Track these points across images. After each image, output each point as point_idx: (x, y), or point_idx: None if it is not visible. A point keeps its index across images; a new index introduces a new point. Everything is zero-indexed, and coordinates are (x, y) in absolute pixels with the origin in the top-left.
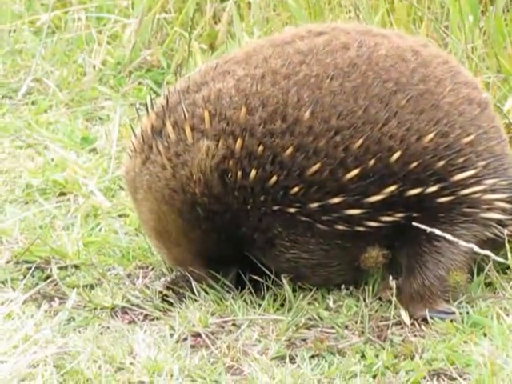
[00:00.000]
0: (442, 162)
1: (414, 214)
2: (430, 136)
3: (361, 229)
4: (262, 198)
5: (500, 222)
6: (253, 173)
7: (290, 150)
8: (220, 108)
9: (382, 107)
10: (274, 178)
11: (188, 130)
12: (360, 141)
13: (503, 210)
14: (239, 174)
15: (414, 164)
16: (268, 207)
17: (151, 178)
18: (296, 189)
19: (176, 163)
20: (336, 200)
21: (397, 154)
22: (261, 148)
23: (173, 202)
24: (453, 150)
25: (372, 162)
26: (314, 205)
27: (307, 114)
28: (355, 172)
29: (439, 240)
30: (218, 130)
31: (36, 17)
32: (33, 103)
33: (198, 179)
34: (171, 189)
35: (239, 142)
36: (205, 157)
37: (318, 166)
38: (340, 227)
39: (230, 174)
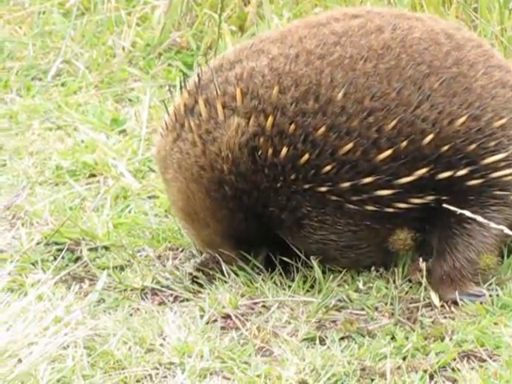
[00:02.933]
0: (473, 146)
1: (444, 197)
2: (462, 119)
3: (390, 210)
4: (292, 177)
5: None
6: (284, 150)
7: (322, 130)
8: (252, 86)
9: (415, 90)
10: (306, 157)
11: (219, 107)
12: (393, 122)
13: None
14: (270, 151)
15: (446, 147)
16: (298, 186)
17: (181, 155)
18: (328, 168)
19: (206, 140)
20: (367, 180)
21: (429, 137)
22: (292, 127)
23: (201, 180)
24: (484, 134)
25: (404, 143)
26: (346, 184)
27: (340, 95)
28: (388, 153)
29: (470, 222)
30: (250, 107)
31: None
32: (62, 85)
33: (227, 156)
34: (200, 166)
35: (270, 119)
36: (234, 134)
37: (350, 145)
38: (370, 208)
39: (260, 152)
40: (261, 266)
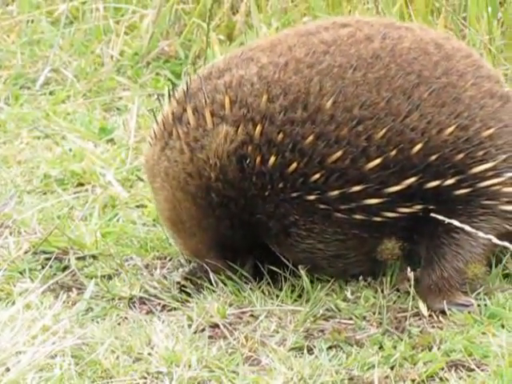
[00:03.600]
0: (461, 155)
1: (432, 206)
2: (451, 129)
3: (378, 219)
4: (280, 185)
5: None
6: (272, 159)
7: (310, 138)
8: (241, 94)
9: (405, 99)
10: (294, 165)
11: (208, 115)
12: (382, 131)
13: None
14: (258, 159)
15: (434, 157)
16: (286, 194)
17: (169, 163)
18: (316, 176)
19: (194, 147)
20: (356, 188)
21: (418, 147)
22: (281, 135)
23: (187, 187)
24: (472, 143)
25: (393, 152)
26: (334, 193)
27: (329, 103)
28: (377, 161)
29: (458, 232)
30: (238, 116)
31: (54, 7)
32: (51, 93)
33: (214, 164)
34: (187, 173)
35: (259, 128)
36: (223, 141)
37: (339, 153)
38: (358, 216)
39: (248, 160)
40: (248, 276)
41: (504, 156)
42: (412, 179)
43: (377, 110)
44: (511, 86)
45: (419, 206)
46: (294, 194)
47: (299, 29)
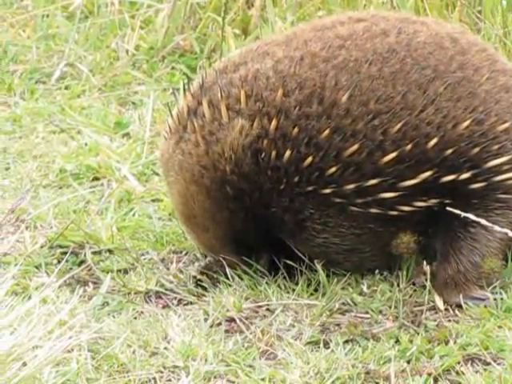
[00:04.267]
0: (476, 149)
1: (448, 201)
2: (466, 123)
3: (394, 213)
4: (296, 179)
5: None
6: (287, 153)
7: (326, 132)
8: (256, 88)
9: (420, 94)
10: (310, 159)
11: (223, 109)
12: (398, 125)
13: None
14: (273, 154)
15: (450, 151)
16: (302, 188)
17: (183, 156)
18: (332, 170)
19: (209, 140)
20: (372, 182)
21: (433, 141)
22: (296, 130)
23: (202, 180)
24: (488, 137)
25: (409, 146)
26: (350, 186)
27: (345, 98)
28: (393, 155)
29: (474, 226)
30: (254, 110)
31: (69, 1)
32: (66, 88)
33: (230, 157)
34: (202, 166)
35: (274, 122)
36: (238, 135)
37: (355, 147)
38: (373, 210)
39: (263, 154)
40: (264, 270)
41: None
42: (428, 173)
43: (392, 104)
44: None
45: (435, 200)
46: (310, 188)
47: (315, 23)
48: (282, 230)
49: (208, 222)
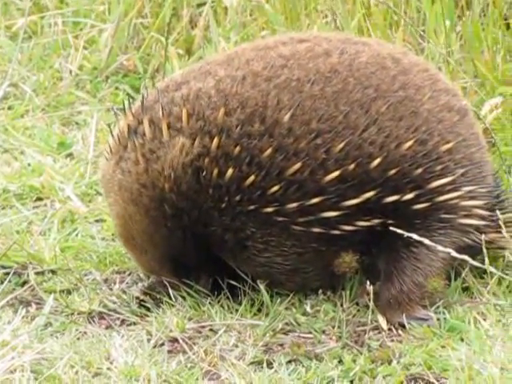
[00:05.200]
0: (419, 170)
1: (390, 221)
2: (409, 143)
3: (336, 232)
4: (237, 198)
5: (478, 229)
6: (229, 172)
7: (268, 152)
8: (198, 107)
9: (363, 113)
10: (252, 178)
11: (164, 127)
12: (341, 145)
13: (481, 217)
14: (215, 172)
15: (393, 171)
16: (244, 206)
17: (123, 175)
18: (274, 188)
19: (149, 158)
20: (314, 201)
21: (376, 161)
22: (238, 148)
23: (140, 199)
24: (431, 158)
25: (352, 166)
26: (292, 205)
27: (287, 117)
28: (335, 174)
29: (417, 246)
30: (195, 128)
31: (12, 21)
32: (9, 108)
33: (169, 175)
34: (141, 184)
35: (215, 141)
36: (178, 153)
37: (298, 165)
38: (316, 230)
39: (204, 172)
40: (204, 290)
41: (462, 170)
42: (370, 193)
43: (335, 123)
44: (470, 99)
45: (377, 220)
46: (252, 207)
47: (257, 43)
48: (223, 250)
49: (146, 243)
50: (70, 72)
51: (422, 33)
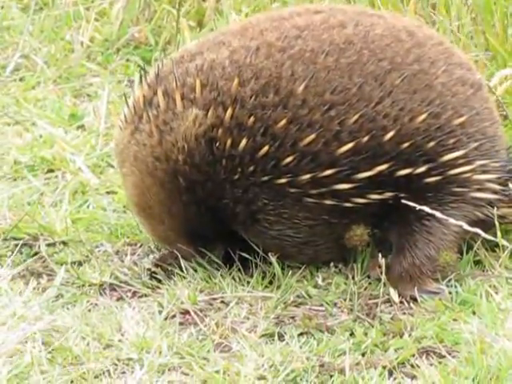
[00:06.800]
0: (432, 143)
1: (402, 194)
2: (423, 116)
3: (348, 205)
4: (251, 168)
5: (490, 203)
6: (243, 142)
7: (282, 122)
8: (212, 78)
9: (377, 85)
10: (265, 149)
11: (178, 99)
12: (355, 117)
13: (494, 191)
14: (228, 142)
15: (406, 144)
16: (257, 177)
17: (138, 147)
18: (288, 159)
19: (163, 130)
20: (327, 172)
21: (390, 134)
22: (252, 119)
23: (155, 171)
24: (444, 131)
25: (366, 138)
26: (306, 176)
27: (301, 88)
28: (349, 146)
29: (429, 219)
30: (208, 99)
31: None
32: (21, 80)
33: (182, 147)
34: (155, 157)
35: (229, 112)
36: (192, 125)
37: (312, 137)
38: (328, 202)
39: (218, 143)
40: (218, 261)
41: (475, 144)
42: (383, 166)
43: (349, 95)
44: (481, 72)
45: (389, 193)
46: (265, 178)
47: (271, 14)
48: (235, 222)
49: (163, 213)
50: (82, 44)
51: (433, 6)
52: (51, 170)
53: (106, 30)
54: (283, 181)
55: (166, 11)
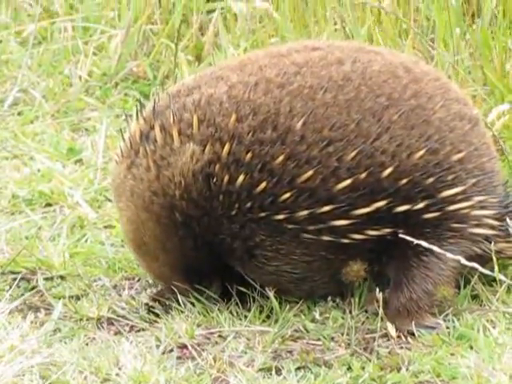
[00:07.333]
0: (431, 179)
1: (400, 230)
2: (421, 152)
3: (346, 241)
4: (248, 205)
5: (487, 238)
6: (240, 178)
7: (280, 158)
8: (209, 113)
9: (375, 122)
10: (263, 185)
11: (175, 134)
12: (353, 153)
13: (491, 227)
14: (226, 178)
15: (404, 180)
16: (254, 214)
17: (134, 181)
18: (286, 196)
19: (160, 165)
20: (325, 209)
21: (388, 170)
22: (249, 155)
23: (152, 206)
24: (442, 167)
25: (364, 175)
26: (303, 212)
27: (299, 124)
28: (347, 182)
29: (427, 255)
30: (206, 135)
31: (22, 27)
32: (19, 114)
33: (179, 182)
34: (152, 191)
35: (226, 147)
36: (189, 160)
37: (310, 173)
38: (326, 238)
39: (215, 179)
40: (215, 297)
41: (474, 180)
42: (382, 202)
43: (347, 131)
44: (478, 107)
45: (388, 230)
46: (262, 214)
47: (270, 50)
48: (232, 258)
49: (158, 250)
50: (80, 78)
51: (431, 41)
52: (49, 204)
53: (105, 65)
54: (281, 217)
55: (164, 45)
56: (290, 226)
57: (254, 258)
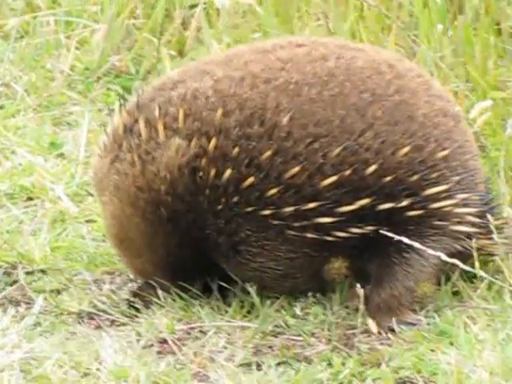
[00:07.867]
0: (415, 177)
1: (383, 228)
2: (405, 150)
3: (330, 238)
4: (235, 199)
5: (468, 236)
6: (227, 173)
7: (268, 154)
8: (195, 108)
9: (359, 117)
10: (250, 180)
11: (160, 128)
12: (337, 150)
13: (473, 224)
14: (212, 172)
15: (389, 178)
16: (240, 208)
17: (119, 176)
18: (272, 191)
19: (145, 159)
20: (310, 206)
21: (372, 167)
22: (236, 150)
23: (137, 201)
24: (427, 165)
25: (348, 172)
26: (289, 209)
27: (286, 120)
28: (332, 179)
29: (408, 252)
30: (192, 129)
31: (4, 21)
32: (0, 108)
33: (165, 176)
34: (137, 187)
35: (213, 142)
36: (174, 155)
37: (297, 169)
38: (310, 235)
39: (201, 173)
40: (196, 292)
41: (457, 178)
42: (366, 200)
43: (332, 127)
44: (461, 104)
45: (371, 227)
46: (249, 209)
47: (255, 46)
48: (217, 254)
49: (142, 245)
50: (62, 72)
51: (415, 37)
52: (30, 199)
53: (87, 59)
54: (267, 212)
55: (146, 40)
56: (275, 222)
57: (239, 254)
